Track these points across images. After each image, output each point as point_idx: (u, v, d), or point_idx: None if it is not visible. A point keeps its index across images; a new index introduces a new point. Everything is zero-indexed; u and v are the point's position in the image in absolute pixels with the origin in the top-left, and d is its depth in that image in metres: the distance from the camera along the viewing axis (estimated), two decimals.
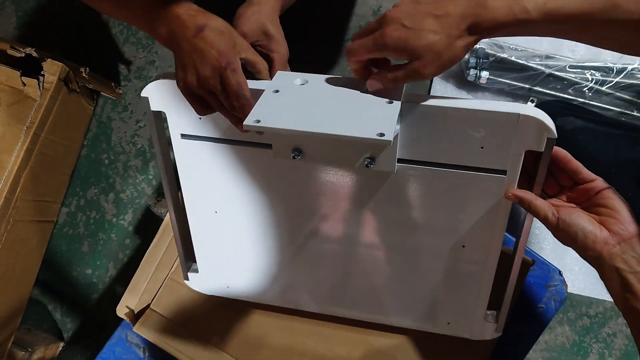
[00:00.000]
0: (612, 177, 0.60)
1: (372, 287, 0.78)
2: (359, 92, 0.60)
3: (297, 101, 0.60)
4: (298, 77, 0.63)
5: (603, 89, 1.16)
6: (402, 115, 0.61)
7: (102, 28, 1.40)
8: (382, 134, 0.52)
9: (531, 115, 0.57)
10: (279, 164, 0.69)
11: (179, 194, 0.77)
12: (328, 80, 0.63)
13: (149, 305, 0.87)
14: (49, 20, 1.43)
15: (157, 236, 0.94)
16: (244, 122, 0.54)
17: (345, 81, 0.62)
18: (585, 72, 1.17)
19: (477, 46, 1.16)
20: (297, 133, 0.54)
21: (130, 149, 1.35)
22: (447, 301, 0.75)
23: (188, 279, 0.84)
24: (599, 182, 0.57)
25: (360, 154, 0.62)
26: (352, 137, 0.53)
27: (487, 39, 1.16)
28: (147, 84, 0.66)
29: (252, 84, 0.62)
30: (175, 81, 0.63)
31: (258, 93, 0.60)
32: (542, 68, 1.17)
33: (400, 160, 0.65)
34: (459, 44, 0.51)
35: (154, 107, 0.69)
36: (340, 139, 0.54)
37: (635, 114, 1.16)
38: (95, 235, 1.34)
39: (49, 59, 1.14)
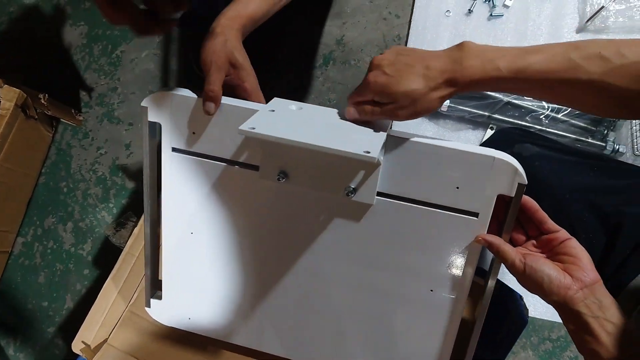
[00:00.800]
0: (567, 202, 0.62)
1: (339, 331, 0.77)
2: (350, 122, 0.64)
3: (290, 120, 0.63)
4: (293, 104, 0.67)
5: (559, 116, 1.20)
6: (385, 148, 0.63)
7: (63, 54, 1.38)
8: (368, 152, 0.55)
9: (505, 160, 0.61)
10: (263, 187, 0.71)
11: (158, 210, 0.77)
12: (321, 110, 0.67)
13: (106, 340, 0.84)
14: (9, 46, 1.40)
15: (115, 267, 0.91)
16: (240, 127, 0.57)
17: (337, 112, 0.66)
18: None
19: None
20: (286, 143, 0.57)
21: (91, 177, 1.32)
22: (412, 347, 0.75)
23: (150, 306, 0.81)
24: (563, 233, 0.60)
25: (343, 182, 0.65)
26: (340, 152, 0.55)
27: None
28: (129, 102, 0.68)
29: (248, 104, 0.66)
30: (172, 94, 0.68)
31: (254, 112, 0.64)
32: (501, 96, 1.20)
33: (379, 194, 0.67)
34: (435, 95, 0.56)
35: (151, 117, 0.70)
36: (327, 154, 0.56)
37: (589, 140, 1.20)
38: (52, 266, 1.29)
39: (6, 85, 1.12)
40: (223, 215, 0.74)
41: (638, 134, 1.20)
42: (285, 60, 1.32)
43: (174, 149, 0.72)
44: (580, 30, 1.27)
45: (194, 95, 0.68)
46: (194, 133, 0.69)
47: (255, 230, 0.74)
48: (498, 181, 0.63)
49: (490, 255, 0.70)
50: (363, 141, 0.58)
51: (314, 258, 0.74)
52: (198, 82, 1.31)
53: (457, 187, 0.64)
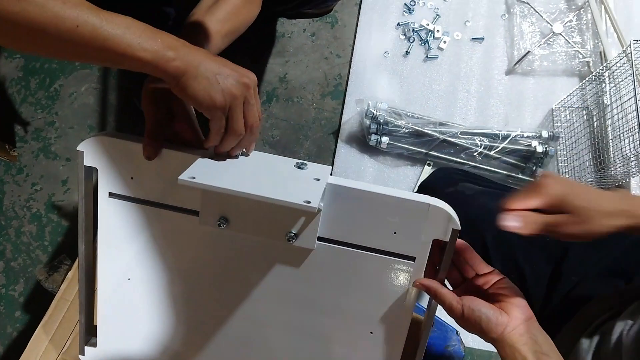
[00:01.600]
0: (510, 235, 0.65)
1: None
2: (291, 169, 0.65)
3: (232, 168, 0.63)
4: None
5: (491, 153, 1.26)
6: (326, 195, 0.65)
7: None
8: (308, 202, 0.56)
9: (439, 206, 0.63)
10: (203, 233, 0.70)
11: (93, 256, 0.75)
12: (264, 157, 0.68)
13: None
14: None
15: (48, 312, 0.88)
16: (180, 177, 0.56)
17: (279, 160, 0.67)
18: (475, 138, 1.27)
19: (377, 113, 1.23)
20: (227, 192, 0.57)
21: (25, 214, 1.27)
22: None
23: (83, 354, 0.78)
24: (495, 273, 0.63)
25: (284, 228, 0.65)
26: (280, 201, 0.56)
27: (386, 105, 1.23)
28: (81, 140, 0.66)
29: (188, 150, 0.65)
30: (110, 139, 0.65)
31: (196, 157, 0.63)
32: (437, 134, 1.25)
33: (320, 239, 0.68)
34: (611, 221, 0.55)
35: (87, 162, 0.68)
36: (269, 203, 0.56)
37: (519, 176, 1.27)
38: None
39: None
40: (162, 261, 0.73)
41: (564, 170, 1.28)
42: None
43: (111, 194, 0.70)
44: (509, 72, 1.35)
45: (133, 140, 0.67)
46: (132, 178, 0.68)
47: (195, 275, 0.74)
48: (433, 227, 0.64)
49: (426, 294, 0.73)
50: (303, 190, 0.59)
51: (254, 303, 0.74)
52: (139, 117, 1.30)
53: (395, 232, 0.66)
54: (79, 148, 0.67)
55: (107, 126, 1.32)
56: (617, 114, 1.17)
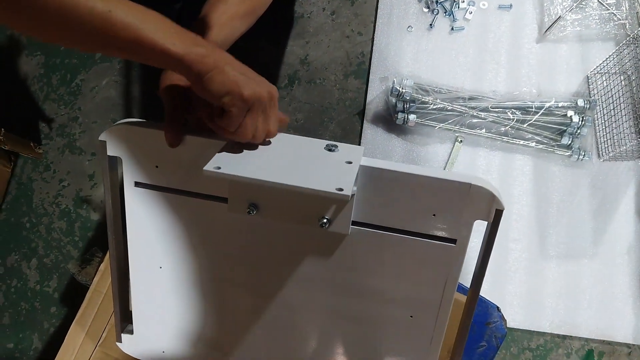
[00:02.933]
0: None
1: None
2: (320, 152, 0.61)
3: (259, 154, 0.60)
4: None
5: (524, 126, 1.21)
6: (359, 177, 0.61)
7: (20, 85, 1.34)
8: (340, 189, 0.52)
9: (482, 186, 0.59)
10: (233, 219, 0.68)
11: (124, 247, 0.73)
12: (292, 139, 0.64)
13: None
14: None
15: (83, 305, 0.88)
16: (204, 168, 0.54)
17: (308, 142, 0.63)
18: (507, 111, 1.22)
19: (403, 90, 1.19)
20: (255, 182, 0.54)
21: (54, 210, 1.28)
22: None
23: (121, 341, 0.78)
24: None
25: (316, 213, 0.62)
26: (311, 190, 0.53)
27: (412, 82, 1.19)
28: (103, 131, 0.65)
29: (215, 136, 0.62)
30: (132, 127, 0.63)
31: (221, 143, 0.60)
32: (466, 109, 1.21)
33: (354, 223, 0.64)
34: None
35: (110, 152, 0.66)
36: (299, 191, 0.53)
37: (555, 149, 1.22)
38: (17, 305, 1.24)
39: None
40: (192, 248, 0.72)
41: (602, 139, 1.22)
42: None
43: (136, 184, 0.68)
44: (539, 40, 1.29)
45: (155, 128, 0.64)
46: (156, 166, 0.66)
47: (227, 262, 0.72)
48: (475, 207, 0.61)
49: (470, 272, 0.69)
50: (335, 175, 0.56)
51: (289, 289, 0.72)
52: (163, 108, 1.28)
53: (434, 215, 0.62)
54: (101, 138, 0.66)
55: (131, 116, 1.31)
56: None
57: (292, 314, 0.73)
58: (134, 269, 0.74)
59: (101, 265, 0.94)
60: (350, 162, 0.59)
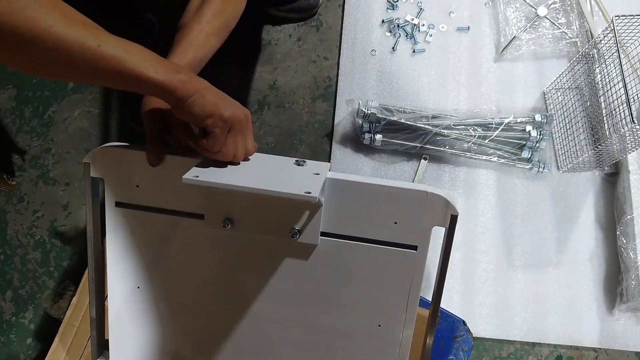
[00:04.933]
0: None
1: None
2: (290, 166, 0.67)
3: (233, 167, 0.65)
4: None
5: (486, 142, 1.26)
6: (325, 190, 0.67)
7: None
8: (309, 192, 0.58)
9: (437, 193, 0.66)
10: (209, 235, 0.72)
11: (102, 269, 0.77)
12: (263, 157, 0.70)
13: None
14: None
15: (56, 339, 0.89)
16: (183, 176, 0.59)
17: (279, 159, 0.70)
18: (469, 128, 1.27)
19: (369, 112, 1.24)
20: (230, 189, 0.59)
21: (29, 242, 1.29)
22: None
23: None
24: None
25: (287, 224, 0.68)
26: (282, 194, 0.58)
27: (377, 103, 1.23)
28: (87, 153, 0.70)
29: (193, 156, 0.68)
30: (115, 149, 0.69)
31: (197, 161, 0.66)
32: (430, 127, 1.25)
33: (322, 234, 0.70)
34: None
35: (93, 173, 0.71)
36: (271, 201, 0.60)
37: (516, 163, 1.27)
38: None
39: None
40: (169, 266, 0.75)
41: (560, 152, 1.28)
42: None
43: (117, 204, 0.73)
44: (497, 60, 1.35)
45: (136, 149, 0.69)
46: (137, 186, 0.71)
47: (202, 279, 0.75)
48: (432, 214, 0.67)
49: (431, 286, 0.74)
50: (303, 183, 0.61)
51: (262, 303, 0.75)
52: (134, 137, 1.31)
53: (395, 222, 0.68)
54: (85, 159, 0.70)
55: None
56: (608, 90, 1.17)
57: (266, 329, 0.76)
58: (112, 289, 0.77)
59: (73, 299, 0.94)
60: (317, 174, 0.64)
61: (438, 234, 0.68)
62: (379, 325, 0.74)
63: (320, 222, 0.68)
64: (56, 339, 0.87)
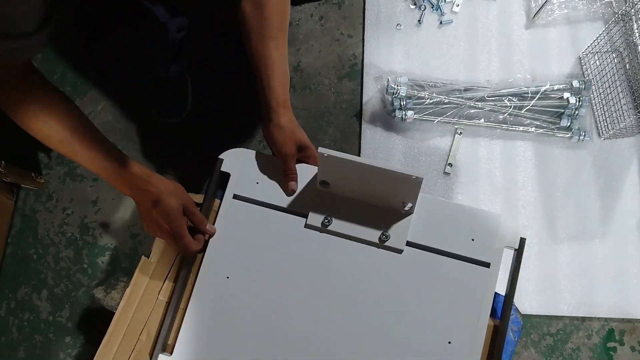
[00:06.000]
0: None
1: None
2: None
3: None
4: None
5: (522, 112, 1.21)
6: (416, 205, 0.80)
7: None
8: (417, 177, 0.72)
9: (512, 219, 0.80)
10: (306, 235, 0.84)
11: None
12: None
13: None
14: None
15: (108, 332, 0.87)
16: (319, 149, 0.74)
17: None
18: (504, 99, 1.22)
19: (398, 87, 1.19)
20: (356, 162, 0.74)
21: (60, 240, 1.27)
22: None
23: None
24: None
25: (379, 227, 0.81)
26: (397, 174, 0.73)
27: (406, 79, 1.19)
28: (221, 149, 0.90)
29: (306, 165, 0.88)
30: (248, 150, 0.88)
31: (311, 168, 0.87)
32: (463, 100, 1.21)
33: (408, 243, 0.80)
34: None
35: (224, 168, 0.88)
36: (388, 174, 0.73)
37: (555, 132, 1.22)
38: (31, 339, 1.23)
39: None
40: (262, 262, 0.84)
41: (601, 118, 1.22)
42: (243, 99, 1.31)
43: (235, 196, 0.87)
44: (528, 26, 1.30)
45: (263, 154, 0.88)
46: (257, 183, 0.87)
47: (290, 278, 0.82)
48: (504, 235, 0.79)
49: (500, 298, 0.82)
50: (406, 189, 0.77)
51: (341, 309, 0.81)
52: (158, 130, 1.29)
53: (472, 240, 0.80)
54: (221, 156, 0.88)
55: (130, 141, 1.31)
56: None
57: (339, 336, 0.80)
58: (202, 277, 0.84)
59: (127, 290, 0.92)
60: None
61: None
62: (449, 342, 0.77)
63: (408, 231, 0.80)
64: (108, 331, 0.85)
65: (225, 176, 0.88)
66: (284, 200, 0.85)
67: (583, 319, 1.15)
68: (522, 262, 1.16)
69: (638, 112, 1.11)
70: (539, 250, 1.18)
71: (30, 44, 0.64)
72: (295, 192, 0.85)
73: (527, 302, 1.15)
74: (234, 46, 1.32)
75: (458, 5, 1.31)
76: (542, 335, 1.15)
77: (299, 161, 0.87)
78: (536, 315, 1.15)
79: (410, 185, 0.76)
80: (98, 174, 0.82)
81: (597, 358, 1.13)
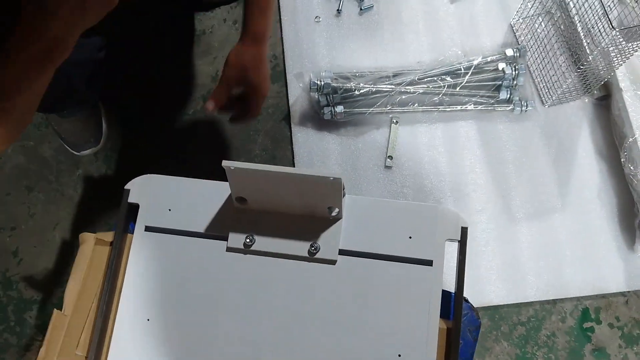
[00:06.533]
0: None
1: None
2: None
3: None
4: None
5: (458, 90, 1.13)
6: (344, 207, 0.73)
7: None
8: (335, 178, 0.64)
9: (448, 208, 0.75)
10: (228, 258, 0.76)
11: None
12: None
13: None
14: None
15: None
16: (223, 162, 0.66)
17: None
18: (436, 79, 1.14)
19: (322, 83, 1.11)
20: (265, 170, 0.66)
21: None
22: None
23: None
24: None
25: (307, 239, 0.73)
26: (314, 177, 0.65)
27: (330, 72, 1.11)
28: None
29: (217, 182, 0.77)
30: (155, 176, 0.80)
31: (223, 186, 0.75)
32: (393, 87, 1.12)
33: (341, 252, 0.73)
34: None
35: (131, 199, 0.79)
36: (302, 179, 0.66)
37: (495, 107, 1.14)
38: None
39: None
40: (185, 295, 0.76)
41: (541, 85, 1.15)
42: (161, 114, 1.22)
43: (147, 228, 0.78)
44: (453, 0, 1.22)
45: (174, 177, 0.79)
46: (169, 210, 0.78)
47: (218, 305, 0.75)
48: (444, 227, 0.72)
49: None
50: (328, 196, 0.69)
51: (279, 329, 0.74)
52: (72, 160, 1.19)
53: (410, 237, 0.72)
54: (127, 186, 0.79)
55: (46, 182, 1.21)
56: (581, 7, 1.04)
57: (282, 354, 0.74)
58: (120, 322, 0.76)
59: (41, 350, 0.83)
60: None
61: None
62: (399, 355, 0.70)
63: (339, 238, 0.73)
64: None
65: (135, 207, 0.80)
66: (201, 225, 0.77)
67: (554, 301, 1.06)
68: (480, 250, 1.09)
69: (578, 69, 1.03)
70: (498, 235, 1.09)
71: None
72: (210, 111, 0.86)
73: (492, 292, 1.06)
74: (153, 71, 1.24)
75: None
76: (513, 325, 1.06)
77: (242, 99, 0.89)
78: (504, 305, 1.06)
79: (330, 188, 0.68)
80: None
81: (574, 341, 1.04)
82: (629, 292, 1.06)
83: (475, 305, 0.86)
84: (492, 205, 1.11)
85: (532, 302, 1.06)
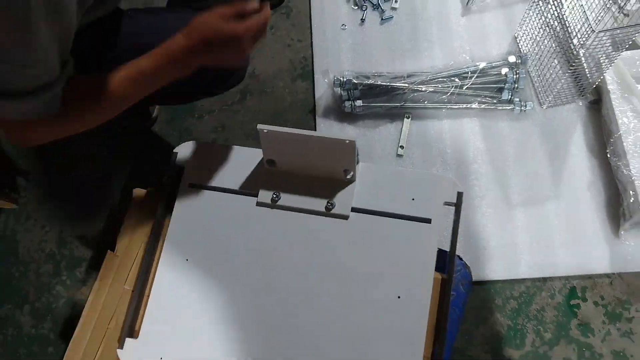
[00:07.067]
0: None
1: (320, 346, 0.84)
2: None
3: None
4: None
5: (464, 90, 1.27)
6: (358, 174, 0.88)
7: None
8: (350, 141, 0.80)
9: (447, 176, 0.87)
10: (257, 212, 0.90)
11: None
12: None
13: None
14: None
15: (79, 323, 0.93)
16: (258, 125, 0.83)
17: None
18: (446, 80, 1.28)
19: (344, 79, 1.27)
20: (295, 133, 0.82)
21: (40, 256, 1.33)
22: (387, 349, 0.82)
23: (123, 347, 0.87)
24: None
25: (325, 197, 0.87)
26: (330, 139, 0.80)
27: (352, 71, 1.26)
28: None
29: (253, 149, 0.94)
30: (197, 142, 0.96)
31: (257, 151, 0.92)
32: (406, 85, 1.27)
33: (353, 209, 0.86)
34: None
35: (178, 161, 0.95)
36: (323, 141, 0.81)
37: (498, 107, 1.27)
38: (15, 353, 1.27)
39: None
40: (218, 240, 0.90)
41: (540, 88, 1.28)
42: (201, 103, 1.39)
43: (190, 185, 0.94)
44: (464, 13, 1.38)
45: (211, 143, 0.99)
46: (209, 170, 0.94)
47: (246, 254, 0.88)
48: (443, 192, 0.85)
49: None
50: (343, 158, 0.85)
51: (295, 278, 0.86)
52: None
53: (413, 199, 0.86)
54: (175, 150, 0.96)
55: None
56: (570, 13, 1.18)
57: (296, 305, 0.85)
58: (163, 262, 0.91)
59: (95, 283, 0.98)
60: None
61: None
62: (399, 297, 0.82)
63: (352, 198, 0.86)
64: (80, 321, 0.91)
65: (181, 168, 0.95)
66: (236, 183, 0.92)
67: (544, 279, 1.17)
68: (480, 231, 1.21)
69: (570, 68, 1.16)
70: (496, 219, 1.21)
71: (58, 87, 0.69)
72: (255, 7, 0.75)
73: (488, 268, 1.18)
74: None
75: (397, 1, 1.40)
76: (506, 299, 1.17)
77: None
78: (498, 280, 1.18)
79: (346, 150, 0.82)
80: (155, 76, 0.74)
81: (561, 316, 1.15)
82: (613, 274, 1.17)
83: (473, 280, 0.99)
84: (492, 193, 1.24)
85: (524, 279, 1.17)
